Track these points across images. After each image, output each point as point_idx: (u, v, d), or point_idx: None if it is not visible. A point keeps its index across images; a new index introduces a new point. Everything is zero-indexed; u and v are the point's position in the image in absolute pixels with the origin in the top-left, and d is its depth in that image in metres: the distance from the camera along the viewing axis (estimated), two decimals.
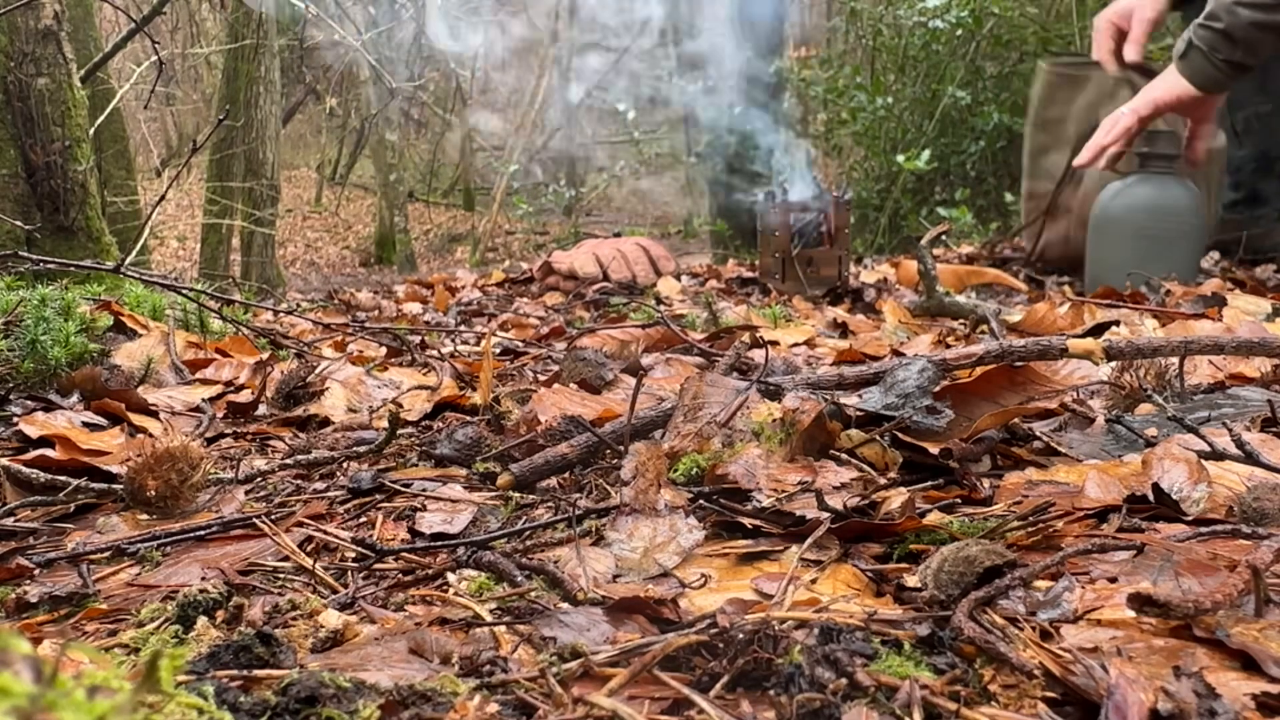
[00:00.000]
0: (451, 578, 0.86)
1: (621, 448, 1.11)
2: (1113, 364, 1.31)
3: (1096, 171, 2.88)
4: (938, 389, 1.18)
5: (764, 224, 3.22)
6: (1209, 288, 2.56)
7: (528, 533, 0.96)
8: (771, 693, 0.60)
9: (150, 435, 1.42)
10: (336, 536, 0.98)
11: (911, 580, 0.76)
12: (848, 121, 6.85)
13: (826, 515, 0.89)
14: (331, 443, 1.34)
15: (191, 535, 0.99)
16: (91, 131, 2.67)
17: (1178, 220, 2.76)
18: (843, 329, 2.41)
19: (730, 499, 0.96)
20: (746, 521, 0.92)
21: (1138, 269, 2.66)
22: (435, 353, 2.05)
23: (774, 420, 1.10)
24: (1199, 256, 2.86)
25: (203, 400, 1.65)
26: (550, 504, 1.06)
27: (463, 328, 2.72)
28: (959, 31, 6.30)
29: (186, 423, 1.54)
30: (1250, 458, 0.96)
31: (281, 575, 0.90)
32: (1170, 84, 2.73)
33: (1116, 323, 1.99)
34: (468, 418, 1.47)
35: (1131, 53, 3.00)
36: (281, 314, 2.94)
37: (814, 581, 0.80)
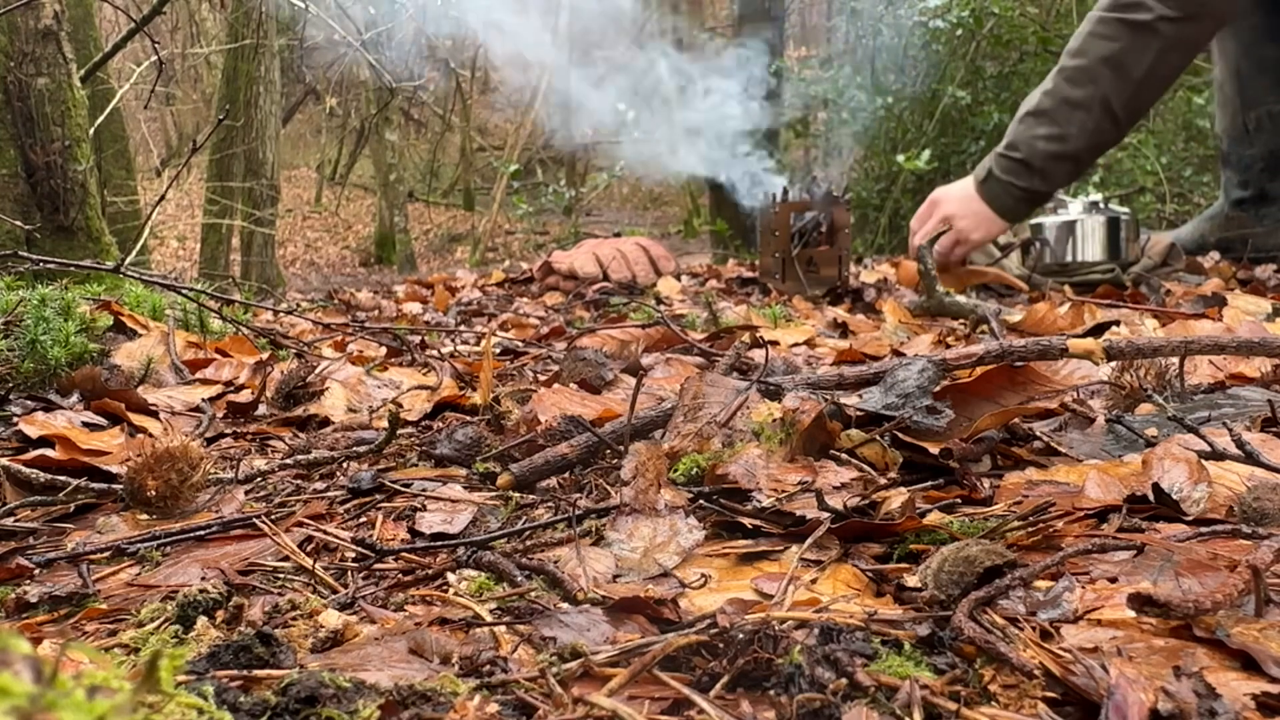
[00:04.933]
0: (451, 578, 0.86)
1: (621, 448, 1.11)
2: (1113, 364, 1.31)
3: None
4: (938, 389, 1.18)
5: (761, 223, 3.22)
6: (1209, 288, 2.56)
7: (528, 533, 0.96)
8: (771, 693, 0.60)
9: (150, 435, 1.42)
10: (336, 536, 0.98)
11: (911, 580, 0.76)
12: (848, 121, 6.85)
13: (826, 515, 0.89)
14: (331, 443, 1.34)
15: (191, 535, 0.99)
16: (91, 131, 2.67)
17: None
18: (843, 329, 2.41)
19: (730, 499, 0.96)
20: (746, 521, 0.92)
21: None
22: (435, 353, 2.05)
23: (774, 420, 1.09)
24: None
25: (203, 400, 1.65)
26: (550, 504, 1.06)
27: (463, 328, 2.72)
28: (959, 31, 6.30)
29: (186, 423, 1.54)
30: (1250, 458, 0.96)
31: (281, 575, 0.90)
32: (970, 206, 2.88)
33: (1116, 323, 1.99)
34: (468, 418, 1.47)
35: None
36: (281, 314, 2.94)
37: (814, 581, 0.80)
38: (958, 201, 2.92)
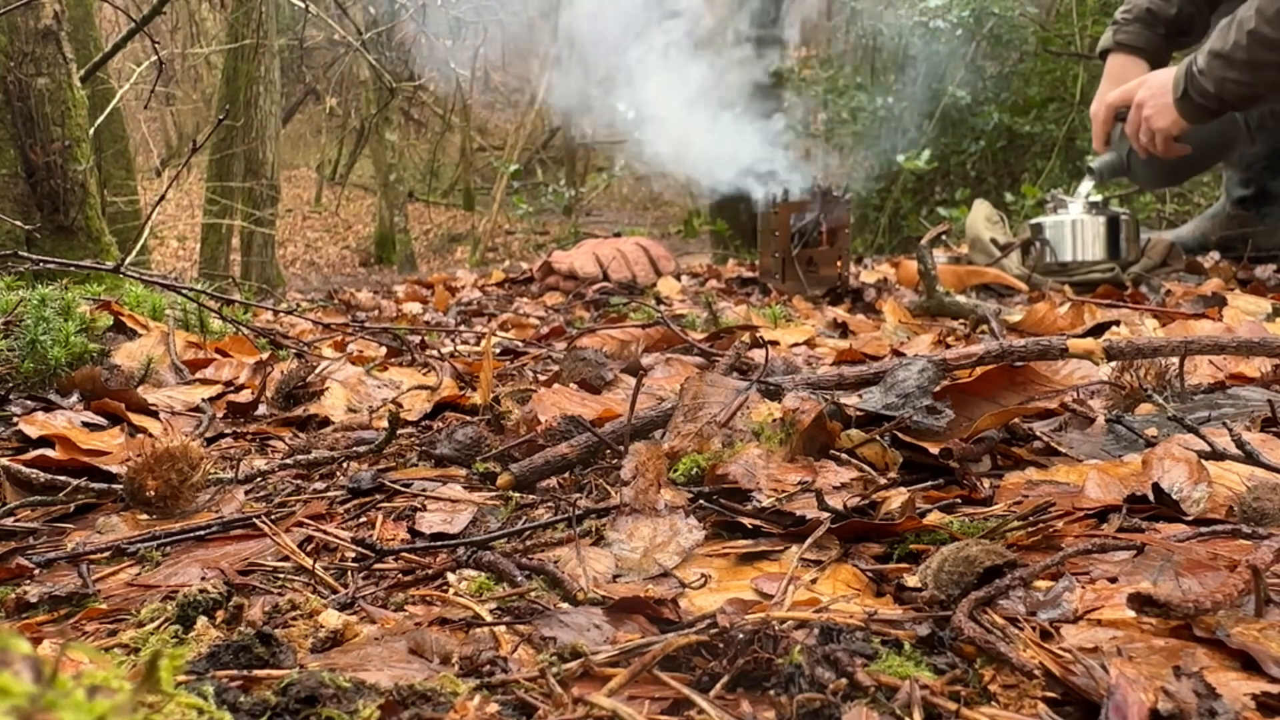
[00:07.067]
0: (451, 578, 0.86)
1: (621, 448, 1.11)
2: (1113, 364, 1.31)
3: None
4: (938, 389, 1.18)
5: (761, 223, 3.22)
6: (1209, 288, 2.56)
7: (528, 533, 0.96)
8: (771, 693, 0.60)
9: (150, 435, 1.42)
10: (336, 536, 0.98)
11: (911, 580, 0.76)
12: (848, 121, 6.86)
13: (826, 515, 0.89)
14: (331, 443, 1.34)
15: (191, 535, 0.99)
16: (91, 131, 2.67)
17: None
18: (843, 329, 2.41)
19: (730, 499, 0.96)
20: (746, 521, 0.92)
21: None
22: (435, 353, 2.05)
23: (774, 420, 1.09)
24: None
25: (203, 400, 1.65)
26: (550, 504, 1.06)
27: (463, 328, 2.72)
28: (959, 31, 6.31)
29: (186, 423, 1.54)
30: (1250, 458, 0.96)
31: (281, 575, 0.90)
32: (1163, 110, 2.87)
33: (1116, 323, 1.99)
34: (468, 418, 1.47)
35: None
36: (281, 314, 2.95)
37: (814, 581, 0.80)
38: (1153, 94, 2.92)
